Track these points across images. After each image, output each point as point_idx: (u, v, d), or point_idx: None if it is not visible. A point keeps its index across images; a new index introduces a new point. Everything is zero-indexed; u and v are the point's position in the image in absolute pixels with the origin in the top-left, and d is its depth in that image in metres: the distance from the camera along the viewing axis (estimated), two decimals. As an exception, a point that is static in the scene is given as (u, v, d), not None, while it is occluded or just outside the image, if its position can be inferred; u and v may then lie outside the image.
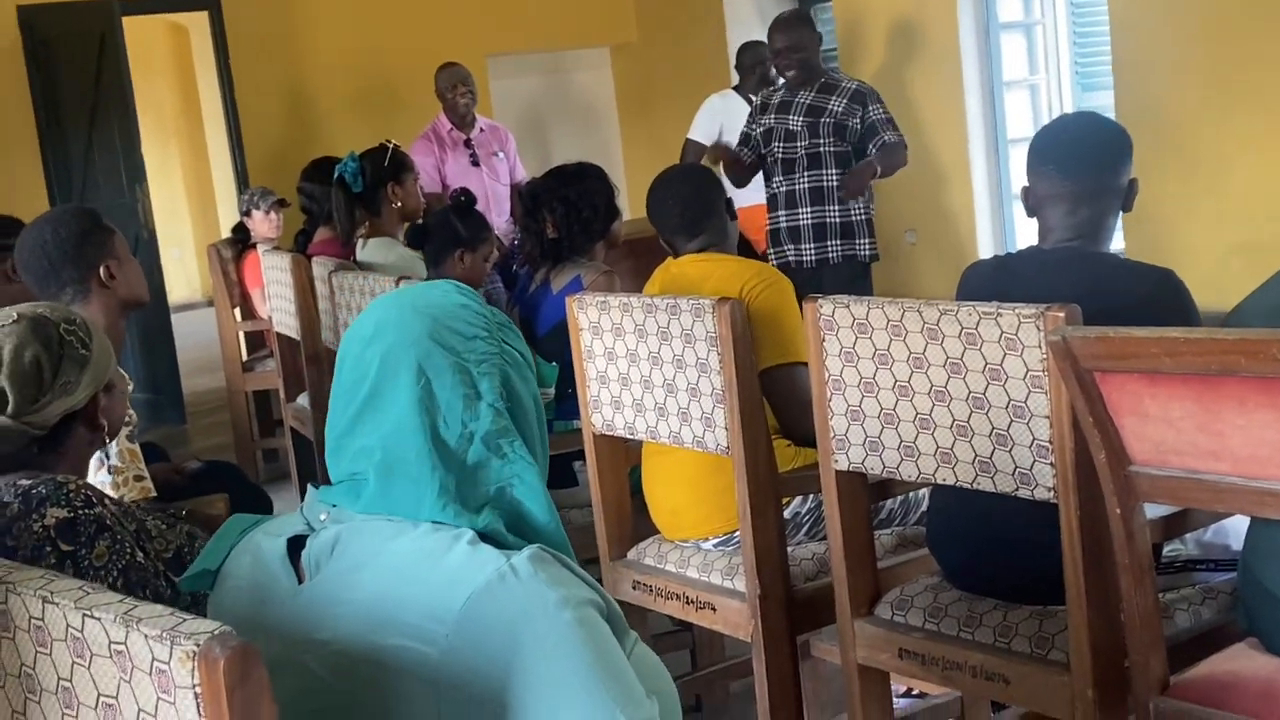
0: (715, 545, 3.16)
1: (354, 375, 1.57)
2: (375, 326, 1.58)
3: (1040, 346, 2.32)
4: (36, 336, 2.20)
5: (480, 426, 1.54)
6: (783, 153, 5.71)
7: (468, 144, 7.03)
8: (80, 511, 2.06)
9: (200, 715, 1.20)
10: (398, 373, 1.54)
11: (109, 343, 2.34)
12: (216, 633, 1.20)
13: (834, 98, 5.67)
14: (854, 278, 5.68)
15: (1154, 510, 2.35)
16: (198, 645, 1.20)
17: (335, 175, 5.32)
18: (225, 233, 8.47)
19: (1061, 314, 2.28)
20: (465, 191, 4.91)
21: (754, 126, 5.93)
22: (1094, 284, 2.61)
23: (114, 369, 2.34)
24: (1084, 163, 2.75)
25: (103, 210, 3.72)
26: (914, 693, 3.45)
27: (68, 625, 1.34)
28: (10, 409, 2.16)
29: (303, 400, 5.49)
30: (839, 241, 5.67)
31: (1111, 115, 7.44)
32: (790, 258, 5.70)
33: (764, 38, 9.52)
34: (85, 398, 2.24)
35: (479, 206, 6.49)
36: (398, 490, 1.53)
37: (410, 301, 1.61)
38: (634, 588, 3.23)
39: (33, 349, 2.18)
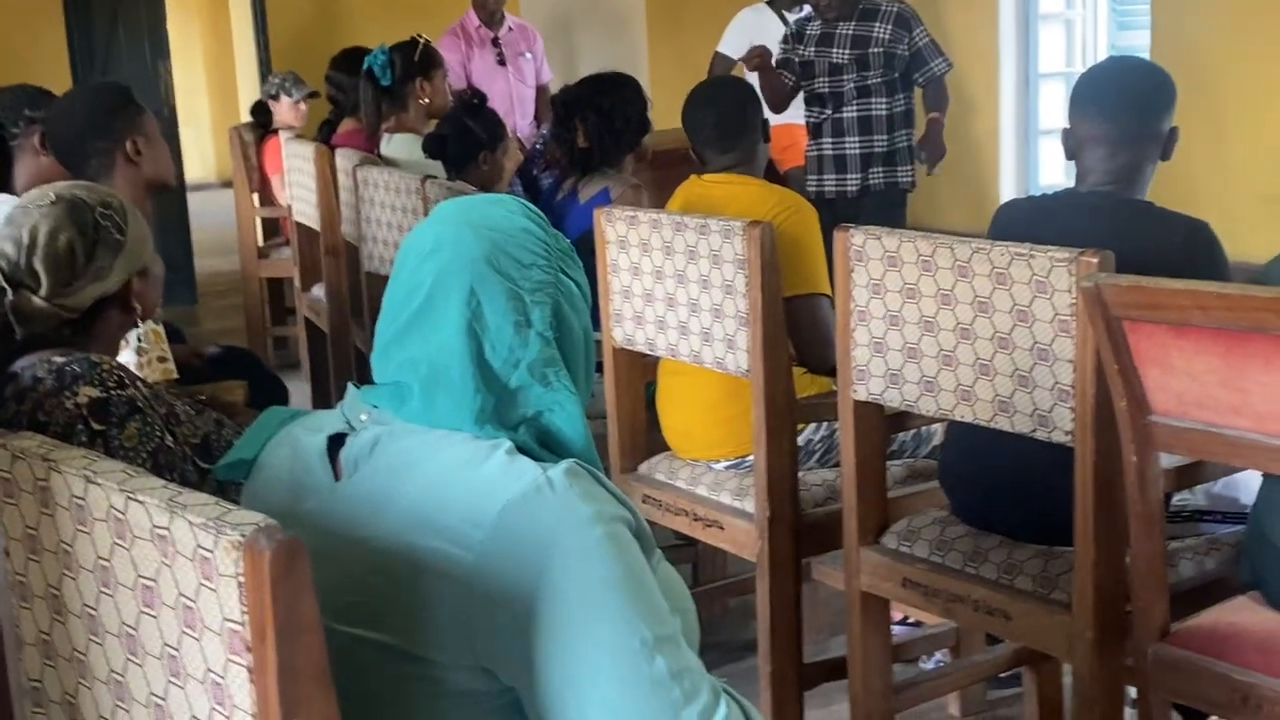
0: (726, 467, 3.18)
1: (408, 286, 1.57)
2: (435, 241, 1.58)
3: (1071, 291, 2.32)
4: (72, 220, 2.20)
5: (528, 354, 1.55)
6: (829, 86, 5.57)
7: (495, 42, 6.96)
8: (113, 392, 2.07)
9: (242, 604, 1.22)
10: (450, 292, 1.54)
11: (145, 227, 2.34)
12: (263, 525, 1.21)
13: (878, 24, 5.50)
14: (893, 204, 5.60)
15: (1167, 460, 2.35)
16: (244, 535, 1.20)
17: (364, 67, 5.27)
18: (244, 114, 8.43)
19: (1095, 260, 2.29)
20: (475, 91, 4.87)
21: (791, 54, 5.74)
22: (1128, 231, 2.61)
23: (149, 254, 2.34)
24: (1128, 106, 2.73)
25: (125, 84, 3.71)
26: (910, 620, 3.49)
27: (110, 506, 1.36)
28: (43, 291, 2.16)
29: (318, 291, 5.49)
30: (882, 169, 5.58)
31: (1146, 55, 7.41)
32: (830, 187, 5.60)
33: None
34: (118, 283, 2.24)
35: (503, 107, 6.50)
36: (440, 405, 1.53)
37: (473, 219, 1.59)
38: (643, 501, 3.25)
39: (68, 233, 2.19)
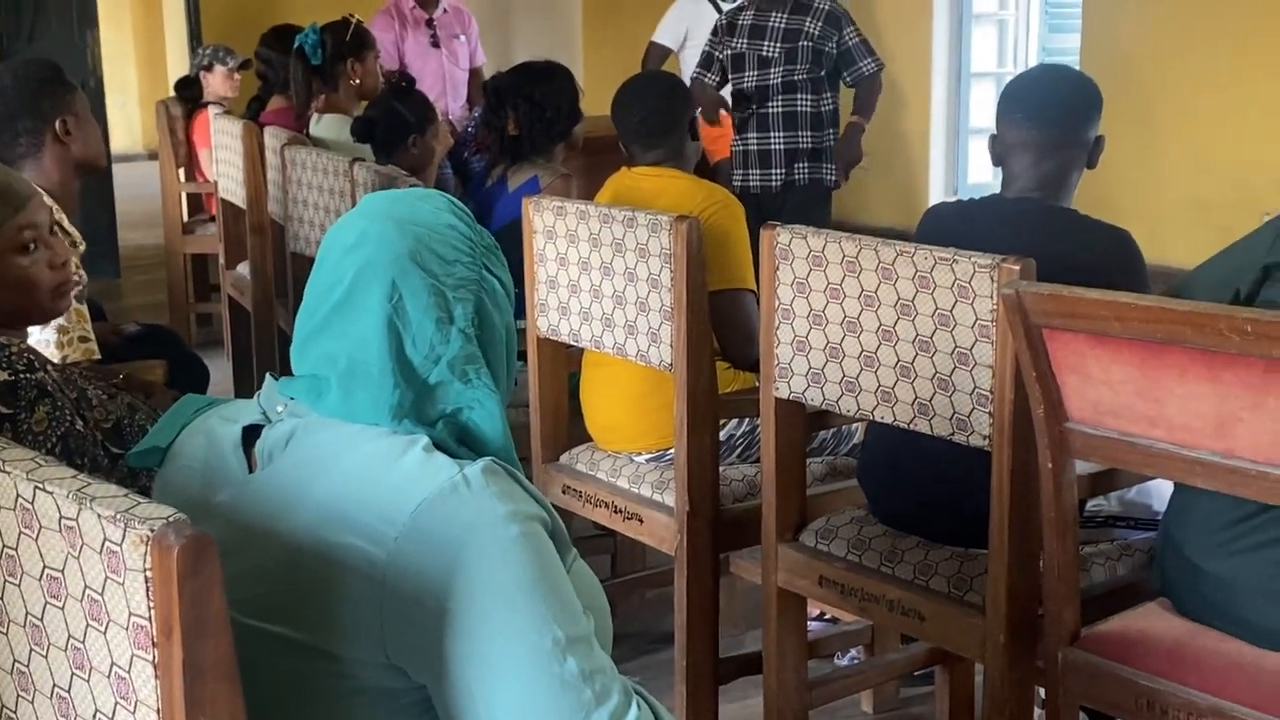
0: (648, 460, 3.18)
1: (330, 279, 1.56)
2: (358, 236, 1.57)
3: (992, 297, 2.33)
4: None
5: (449, 351, 1.54)
6: (756, 80, 5.59)
7: (429, 24, 6.90)
8: (21, 375, 2.03)
9: (149, 599, 1.20)
10: (371, 287, 1.54)
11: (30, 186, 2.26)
12: (171, 519, 1.19)
13: (809, 19, 5.54)
14: (818, 200, 5.64)
15: (1082, 466, 2.37)
16: (152, 530, 1.19)
17: (295, 45, 5.24)
18: (172, 86, 8.34)
19: (1017, 267, 2.30)
20: (403, 74, 4.84)
21: (720, 49, 5.76)
22: (1051, 239, 2.62)
23: (45, 212, 2.26)
24: (1054, 113, 2.75)
25: (50, 53, 3.64)
26: (826, 617, 3.51)
27: (18, 495, 1.33)
28: None
29: (243, 269, 5.46)
30: (807, 165, 5.61)
31: (1076, 57, 7.48)
32: (755, 182, 5.63)
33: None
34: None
35: (435, 89, 6.46)
36: (357, 399, 1.53)
37: (398, 214, 1.59)
38: (563, 491, 3.26)
39: None
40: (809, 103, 5.56)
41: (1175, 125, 7.08)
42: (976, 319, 2.37)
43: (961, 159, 8.44)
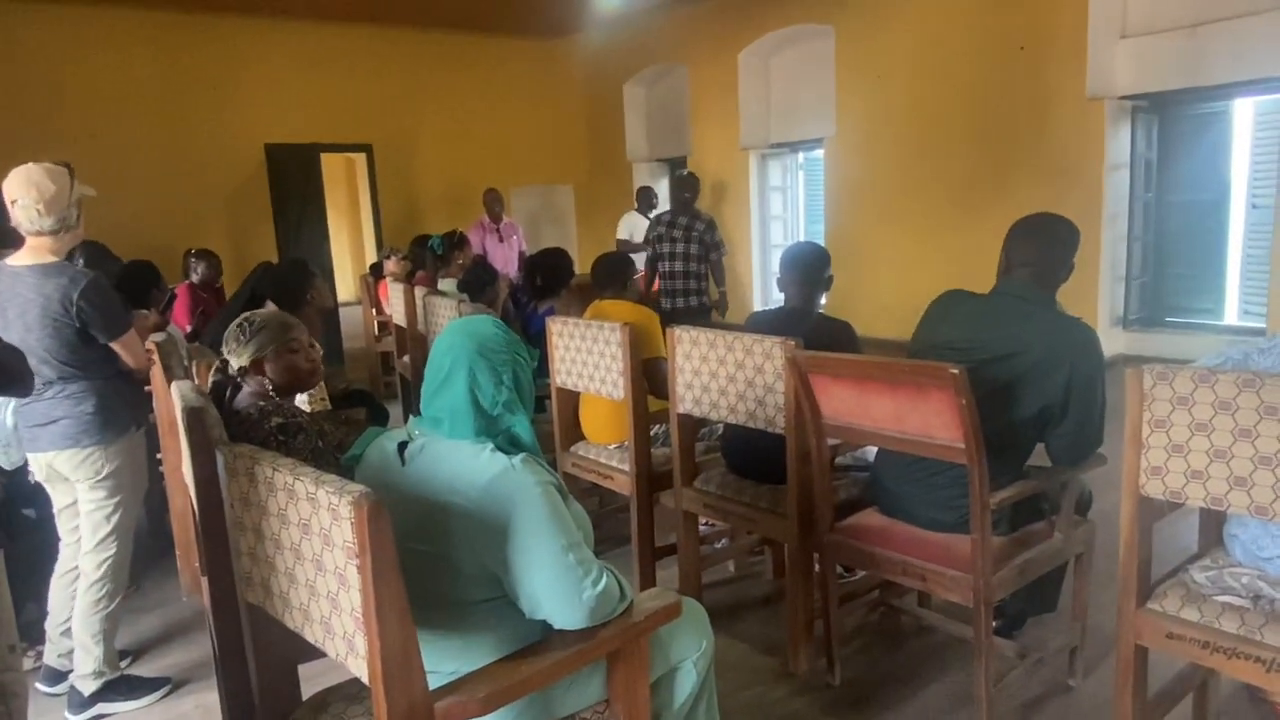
0: (615, 448, 3.15)
1: (436, 366, 1.54)
2: (449, 343, 1.55)
3: (782, 358, 2.35)
4: (245, 318, 2.12)
5: (501, 398, 1.52)
6: (669, 251, 5.40)
7: (497, 230, 6.95)
8: (290, 420, 2.02)
9: (353, 533, 1.21)
10: (458, 369, 1.52)
11: (274, 330, 2.16)
12: (364, 492, 1.21)
13: (698, 222, 5.36)
14: (701, 312, 5.46)
15: (833, 441, 2.37)
16: (354, 496, 1.20)
17: (428, 245, 5.28)
18: (367, 266, 8.34)
19: (793, 343, 2.32)
20: (482, 260, 4.84)
21: (652, 234, 5.54)
22: (807, 326, 2.63)
23: (280, 344, 2.16)
24: (804, 266, 2.73)
25: (305, 253, 3.63)
26: (708, 523, 3.48)
27: (285, 481, 1.34)
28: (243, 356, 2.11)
29: (405, 359, 5.40)
30: (695, 296, 5.41)
31: (823, 235, 7.57)
32: (666, 303, 5.44)
33: (653, 184, 9.52)
34: (249, 359, 2.11)
35: (501, 264, 6.44)
36: (458, 428, 1.51)
37: (468, 330, 1.56)
38: (573, 466, 3.21)
39: (244, 323, 2.11)
40: (695, 265, 5.39)
41: (873, 269, 7.19)
42: (776, 369, 2.38)
43: (769, 287, 8.51)
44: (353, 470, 1.63)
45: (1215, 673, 2.13)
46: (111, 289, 2.42)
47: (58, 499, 2.55)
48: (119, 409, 2.46)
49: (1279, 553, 1.74)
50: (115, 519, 2.47)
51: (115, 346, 2.43)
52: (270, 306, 3.07)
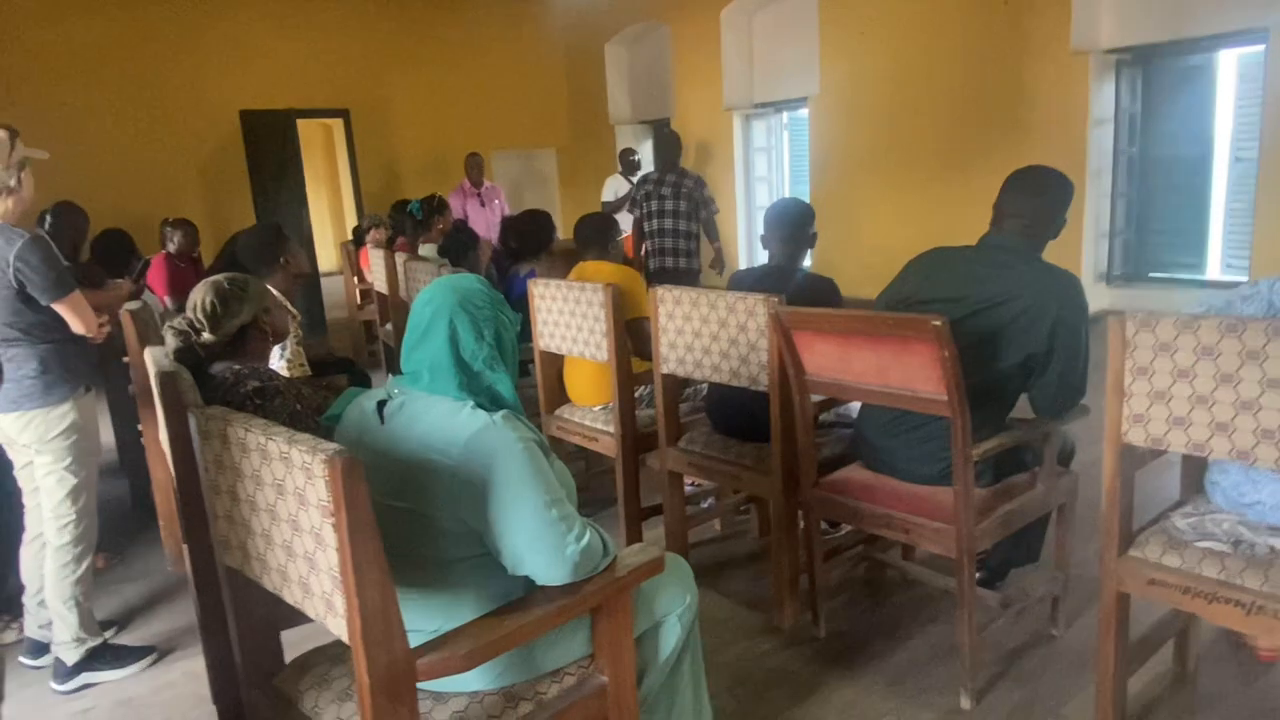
0: (600, 409, 3.14)
1: (417, 320, 1.53)
2: (430, 295, 1.54)
3: (765, 315, 2.34)
4: (213, 290, 2.11)
5: (482, 354, 1.50)
6: (657, 209, 5.35)
7: (478, 194, 6.88)
8: (266, 383, 2.00)
9: (328, 491, 1.19)
10: (439, 322, 1.50)
11: (262, 287, 2.19)
12: (338, 450, 1.19)
13: (686, 179, 5.32)
14: (688, 274, 5.43)
15: (816, 397, 2.38)
16: (327, 454, 1.19)
17: (408, 210, 5.22)
18: (348, 233, 8.26)
19: (776, 299, 2.30)
20: (462, 224, 4.79)
21: (638, 193, 5.50)
22: (791, 284, 2.62)
23: (270, 302, 2.19)
24: (788, 222, 2.71)
25: (281, 219, 3.58)
26: (694, 483, 3.49)
27: (259, 441, 1.33)
28: (207, 330, 2.09)
29: (388, 327, 5.37)
30: (683, 258, 5.37)
31: (808, 195, 7.53)
32: (654, 264, 5.42)
33: (635, 145, 9.44)
34: (249, 316, 2.13)
35: (482, 228, 6.39)
36: (437, 383, 1.49)
37: (451, 284, 1.55)
38: (558, 429, 3.21)
39: (210, 297, 2.10)
40: (684, 224, 5.34)
41: (857, 228, 7.17)
42: (759, 326, 2.37)
43: (754, 248, 8.48)
44: (332, 431, 1.62)
45: (1196, 620, 2.15)
46: (51, 249, 2.33)
47: (16, 459, 2.52)
48: (61, 373, 2.40)
49: (1260, 498, 1.75)
50: (70, 482, 2.44)
51: (59, 308, 2.35)
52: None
